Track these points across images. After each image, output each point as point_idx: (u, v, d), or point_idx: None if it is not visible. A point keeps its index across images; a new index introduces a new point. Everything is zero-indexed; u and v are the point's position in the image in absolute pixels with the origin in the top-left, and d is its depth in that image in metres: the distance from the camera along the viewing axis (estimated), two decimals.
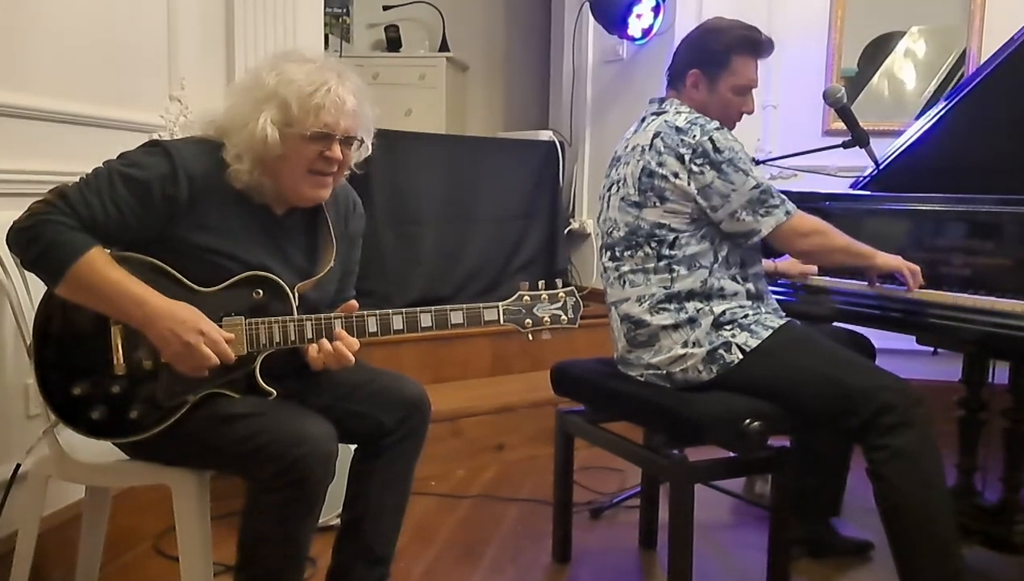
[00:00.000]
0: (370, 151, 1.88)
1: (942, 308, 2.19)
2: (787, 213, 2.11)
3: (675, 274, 2.11)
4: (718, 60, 2.20)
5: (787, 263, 2.53)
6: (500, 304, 1.84)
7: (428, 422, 1.96)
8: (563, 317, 1.86)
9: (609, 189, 2.26)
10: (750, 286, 2.16)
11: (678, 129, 2.11)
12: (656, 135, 2.13)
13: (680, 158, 2.08)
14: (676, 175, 2.08)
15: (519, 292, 1.85)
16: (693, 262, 2.11)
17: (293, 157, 1.74)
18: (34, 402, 2.07)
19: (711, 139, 2.08)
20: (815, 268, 2.53)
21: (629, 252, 2.16)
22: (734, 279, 2.14)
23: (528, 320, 1.85)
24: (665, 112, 2.20)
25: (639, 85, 4.20)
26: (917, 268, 2.22)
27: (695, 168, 2.07)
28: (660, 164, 2.10)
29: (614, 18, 4.07)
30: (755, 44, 2.22)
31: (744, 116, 2.28)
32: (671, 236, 2.11)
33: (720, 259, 2.13)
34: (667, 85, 2.30)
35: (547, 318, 1.85)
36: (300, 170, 1.76)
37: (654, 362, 2.13)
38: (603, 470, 3.12)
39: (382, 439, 1.90)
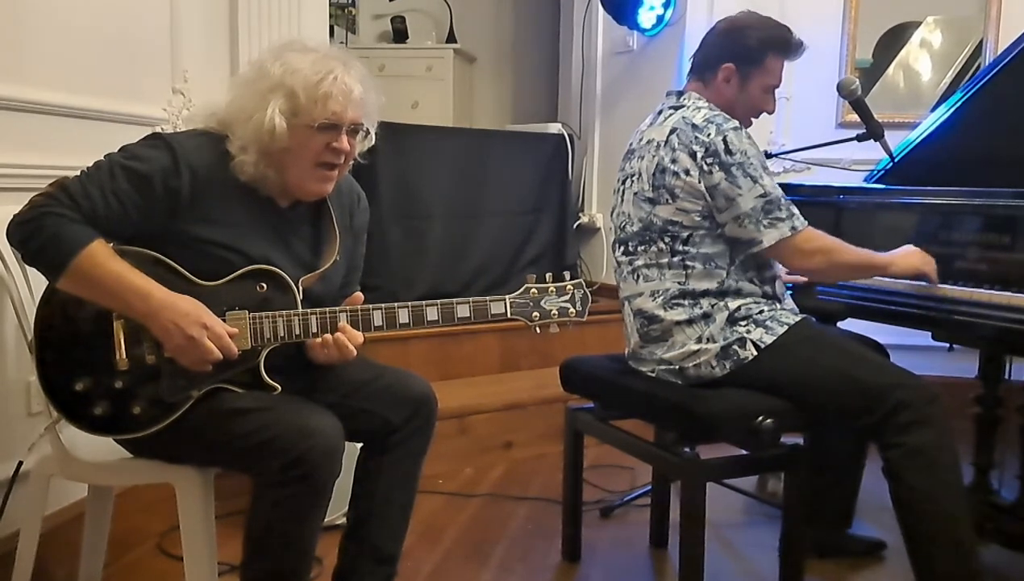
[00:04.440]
0: (374, 141, 1.86)
1: (958, 303, 2.17)
2: (792, 229, 2.05)
3: (690, 271, 2.08)
4: (753, 57, 2.16)
5: None
6: (507, 297, 1.82)
7: (435, 419, 1.93)
8: (571, 310, 1.84)
9: (623, 182, 2.23)
10: (767, 288, 2.13)
11: (694, 126, 2.07)
12: (672, 131, 2.10)
13: (692, 156, 2.04)
14: (687, 172, 2.05)
15: (526, 285, 1.83)
16: (709, 261, 2.07)
17: (299, 149, 1.72)
18: (36, 399, 2.06)
19: (725, 139, 2.03)
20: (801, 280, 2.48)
21: (643, 247, 2.13)
22: (751, 282, 2.10)
23: (535, 313, 1.83)
24: (683, 107, 2.16)
25: (649, 77, 4.17)
26: (933, 262, 2.18)
27: (705, 166, 2.03)
28: (673, 161, 2.06)
29: (624, 9, 4.04)
30: (789, 45, 2.19)
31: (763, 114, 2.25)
32: (685, 233, 2.08)
33: (737, 262, 2.09)
34: (691, 73, 2.25)
35: (555, 311, 1.83)
36: (307, 163, 1.74)
37: (667, 357, 2.10)
38: (613, 468, 3.10)
39: (388, 437, 1.88)
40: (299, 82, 1.69)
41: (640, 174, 2.15)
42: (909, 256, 2.20)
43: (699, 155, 2.04)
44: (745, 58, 2.16)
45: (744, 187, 2.03)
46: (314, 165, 1.74)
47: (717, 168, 2.03)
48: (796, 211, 2.08)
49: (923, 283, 2.23)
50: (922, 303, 2.23)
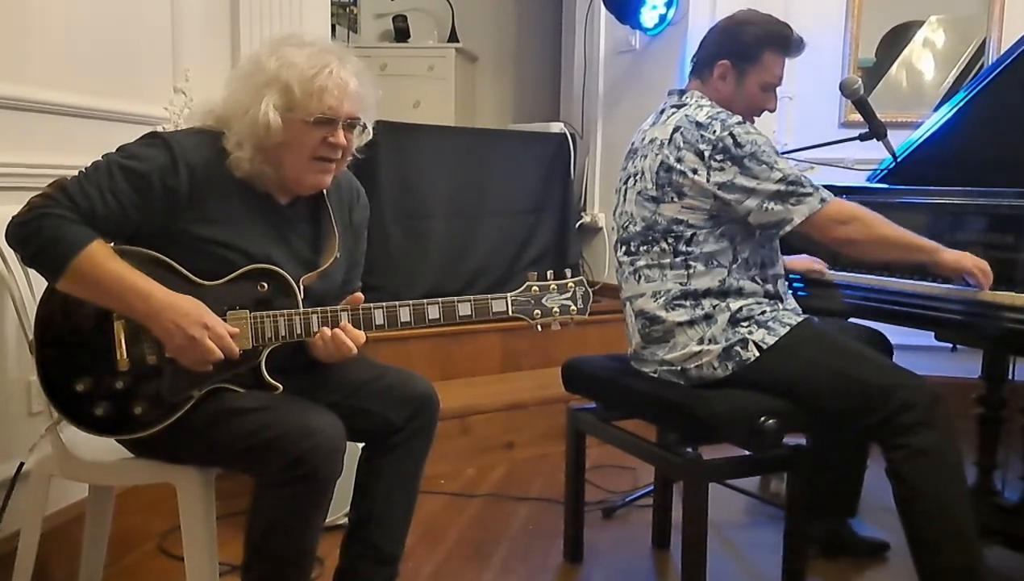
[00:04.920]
0: (372, 135, 1.85)
1: (961, 304, 2.14)
2: (822, 201, 2.03)
3: (692, 270, 2.07)
4: (749, 54, 2.15)
5: (796, 260, 2.48)
6: (508, 294, 1.81)
7: (437, 419, 1.93)
8: (572, 307, 1.83)
9: (626, 182, 2.22)
10: (769, 287, 2.12)
11: (698, 124, 2.06)
12: (676, 129, 2.08)
13: (700, 154, 2.03)
14: (695, 171, 2.04)
15: (527, 282, 1.82)
16: (711, 260, 2.06)
17: (295, 144, 1.71)
18: (36, 399, 2.05)
19: (732, 134, 2.02)
20: (823, 266, 2.48)
21: (645, 247, 2.12)
22: (753, 280, 2.09)
23: (537, 311, 1.82)
24: (686, 105, 2.15)
25: (651, 76, 4.17)
26: (986, 265, 2.09)
27: (715, 164, 2.02)
28: (679, 160, 2.05)
29: (626, 8, 4.03)
30: (787, 41, 2.17)
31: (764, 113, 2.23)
32: (688, 232, 2.07)
33: (740, 260, 2.08)
34: (692, 72, 2.25)
35: (556, 308, 1.82)
36: (303, 157, 1.73)
37: (668, 358, 2.09)
38: (615, 468, 3.09)
39: (390, 437, 1.87)
40: (294, 76, 1.68)
41: (643, 173, 2.14)
42: (960, 253, 2.11)
43: (707, 153, 2.03)
44: (741, 55, 2.15)
45: (761, 175, 2.01)
46: (310, 159, 1.74)
47: (729, 164, 2.02)
48: (820, 185, 2.06)
49: (956, 287, 2.15)
50: (925, 303, 2.22)
